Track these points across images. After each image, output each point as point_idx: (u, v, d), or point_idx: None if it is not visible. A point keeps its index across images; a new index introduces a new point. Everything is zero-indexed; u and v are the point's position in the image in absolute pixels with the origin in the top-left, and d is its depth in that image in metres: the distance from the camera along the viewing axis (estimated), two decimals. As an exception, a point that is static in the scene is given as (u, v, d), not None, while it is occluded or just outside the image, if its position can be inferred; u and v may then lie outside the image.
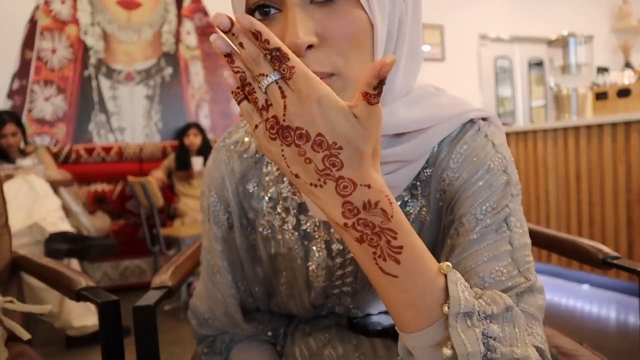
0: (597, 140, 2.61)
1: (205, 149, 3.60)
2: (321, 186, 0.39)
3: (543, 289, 0.51)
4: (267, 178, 0.64)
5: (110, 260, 3.25)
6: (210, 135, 4.09)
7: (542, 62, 5.57)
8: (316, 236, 0.63)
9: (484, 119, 0.58)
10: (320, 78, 0.41)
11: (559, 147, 2.81)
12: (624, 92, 2.85)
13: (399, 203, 0.58)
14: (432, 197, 0.57)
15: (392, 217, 0.39)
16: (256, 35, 0.37)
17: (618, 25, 5.98)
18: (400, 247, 0.39)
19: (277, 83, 0.38)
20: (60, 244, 2.19)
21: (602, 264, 0.94)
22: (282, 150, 0.39)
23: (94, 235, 2.76)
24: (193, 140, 3.56)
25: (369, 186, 0.39)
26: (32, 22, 3.66)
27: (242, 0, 0.49)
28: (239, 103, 0.41)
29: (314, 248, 0.63)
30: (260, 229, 0.65)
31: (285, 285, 0.66)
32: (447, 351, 0.40)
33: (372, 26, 0.48)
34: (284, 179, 0.63)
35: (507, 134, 3.11)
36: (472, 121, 0.57)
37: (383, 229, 0.39)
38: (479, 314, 0.41)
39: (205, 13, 4.13)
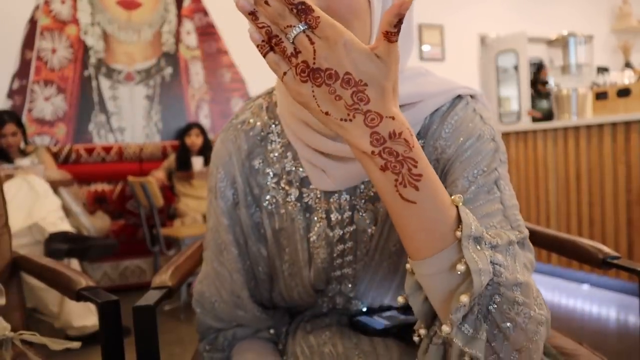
0: (597, 140, 2.61)
1: (206, 149, 3.60)
2: (351, 120, 0.43)
3: (533, 250, 0.54)
4: (271, 155, 0.67)
5: (110, 260, 3.25)
6: (210, 136, 4.09)
7: (542, 62, 5.57)
8: (317, 208, 0.66)
9: (471, 97, 0.64)
10: None
11: (559, 147, 2.81)
12: (624, 92, 2.85)
13: None
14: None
15: (413, 147, 0.43)
16: None
17: (618, 25, 5.98)
18: (420, 175, 0.43)
19: (304, 32, 0.42)
20: (60, 244, 2.19)
21: (602, 264, 0.94)
22: (313, 91, 0.43)
23: (94, 235, 2.76)
24: (195, 140, 3.56)
25: (393, 118, 0.43)
26: (32, 22, 3.66)
27: None
28: (264, 55, 0.45)
29: (315, 219, 0.66)
30: (265, 204, 0.68)
31: (288, 263, 0.68)
32: (460, 267, 0.44)
33: (370, 3, 0.55)
34: (288, 154, 0.67)
35: (507, 134, 3.11)
36: (460, 97, 0.63)
37: (405, 157, 0.43)
38: (486, 242, 0.45)
39: (205, 13, 4.13)
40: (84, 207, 2.96)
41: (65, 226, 2.34)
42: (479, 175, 0.55)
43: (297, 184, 0.66)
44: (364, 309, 0.72)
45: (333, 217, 0.65)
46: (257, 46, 0.44)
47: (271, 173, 0.67)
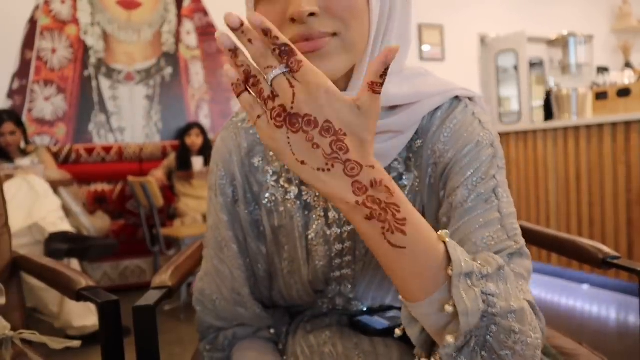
0: (597, 140, 2.61)
1: (206, 149, 3.60)
2: (329, 170, 0.42)
3: (530, 255, 0.54)
4: (271, 153, 0.68)
5: (110, 260, 3.25)
6: (210, 136, 4.09)
7: (542, 62, 5.57)
8: (316, 206, 0.66)
9: (470, 99, 0.63)
10: (323, 38, 0.51)
11: (559, 147, 2.81)
12: (624, 92, 2.85)
13: (395, 175, 0.63)
14: (424, 168, 0.62)
15: (394, 192, 0.43)
16: (266, 32, 0.40)
17: (618, 25, 5.98)
18: (404, 219, 0.43)
19: (284, 75, 0.41)
20: (60, 244, 2.19)
21: (602, 263, 0.94)
22: (289, 137, 0.42)
23: (94, 235, 2.76)
24: (195, 140, 3.56)
25: (372, 167, 0.43)
26: (32, 22, 3.66)
27: None
28: (238, 95, 0.43)
29: (314, 217, 0.66)
30: (265, 202, 0.68)
31: (287, 261, 0.68)
32: (449, 308, 0.44)
33: (368, 3, 0.54)
34: None
35: (507, 134, 3.11)
36: (458, 99, 0.63)
37: (388, 204, 0.42)
38: (477, 275, 0.45)
39: (205, 13, 4.13)
40: (84, 207, 2.96)
41: (65, 226, 2.34)
42: (478, 183, 0.56)
43: (297, 182, 0.67)
44: (365, 309, 0.72)
45: (331, 215, 0.66)
46: (232, 84, 0.43)
47: (271, 171, 0.68)
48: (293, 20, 0.51)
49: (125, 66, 3.90)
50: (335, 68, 0.54)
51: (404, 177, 0.63)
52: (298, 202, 0.66)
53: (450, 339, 0.44)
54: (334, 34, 0.53)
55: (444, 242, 0.45)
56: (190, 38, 4.09)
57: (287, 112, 0.41)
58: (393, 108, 0.60)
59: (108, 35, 3.86)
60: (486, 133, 0.59)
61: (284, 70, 0.41)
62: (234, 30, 0.41)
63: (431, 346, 0.49)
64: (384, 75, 0.41)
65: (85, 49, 3.79)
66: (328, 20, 0.52)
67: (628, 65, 5.37)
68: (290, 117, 0.41)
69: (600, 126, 2.59)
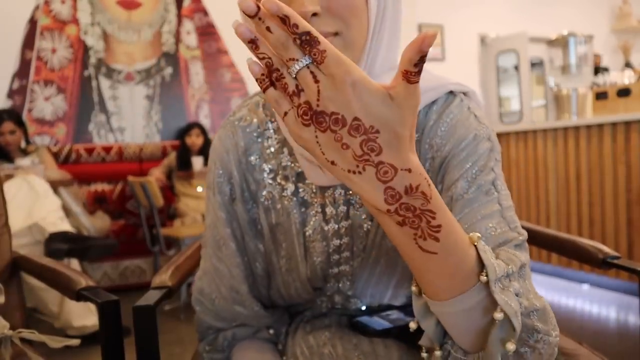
0: (597, 140, 2.61)
1: (206, 149, 3.60)
2: (360, 172, 0.38)
3: (528, 248, 0.55)
4: (267, 151, 0.68)
5: (110, 260, 3.25)
6: (210, 136, 4.09)
7: (542, 62, 5.57)
8: (313, 202, 0.66)
9: (464, 94, 0.64)
10: (325, 37, 0.43)
11: (559, 147, 2.81)
12: (624, 92, 2.86)
13: None
14: (421, 163, 0.59)
15: (431, 198, 0.39)
16: (284, 20, 0.36)
17: (618, 25, 5.98)
18: (439, 226, 0.40)
19: (308, 68, 0.37)
20: (60, 244, 2.19)
21: (602, 263, 0.94)
22: (317, 136, 0.39)
23: (94, 235, 2.76)
24: (195, 140, 3.56)
25: (409, 170, 0.39)
26: (32, 22, 3.66)
27: None
28: (264, 90, 0.40)
29: (311, 213, 0.66)
30: (262, 200, 0.68)
31: (285, 259, 0.68)
32: (498, 315, 0.42)
33: (367, 2, 0.55)
34: (284, 149, 0.67)
35: (507, 134, 3.11)
36: (453, 93, 0.63)
37: (423, 210, 0.39)
38: (505, 276, 0.44)
39: (205, 13, 4.13)
40: (84, 207, 2.96)
41: (65, 226, 2.34)
42: (478, 176, 0.56)
43: (293, 179, 0.66)
44: (363, 308, 0.72)
45: (328, 210, 0.65)
46: (257, 80, 0.40)
47: (267, 169, 0.67)
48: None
49: (125, 66, 3.90)
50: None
51: None
52: (295, 199, 0.66)
53: (510, 346, 0.43)
54: (336, 34, 0.54)
55: (475, 246, 0.44)
56: (190, 38, 4.09)
57: (313, 110, 0.38)
58: None
59: (108, 35, 3.86)
60: (482, 127, 0.60)
61: (308, 62, 0.37)
62: (250, 17, 0.36)
63: (443, 338, 0.49)
64: (419, 63, 0.37)
65: (85, 49, 3.79)
66: (330, 20, 0.53)
67: (628, 65, 5.37)
68: (316, 115, 0.38)
69: (600, 126, 2.59)
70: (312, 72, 0.37)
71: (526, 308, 0.44)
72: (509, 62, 5.26)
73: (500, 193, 0.55)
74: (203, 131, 3.65)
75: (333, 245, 0.66)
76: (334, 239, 0.66)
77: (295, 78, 0.38)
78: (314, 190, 0.66)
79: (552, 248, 1.12)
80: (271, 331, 0.73)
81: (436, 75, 0.65)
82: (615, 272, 2.49)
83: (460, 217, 0.54)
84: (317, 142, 0.39)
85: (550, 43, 5.46)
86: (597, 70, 5.13)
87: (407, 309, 0.70)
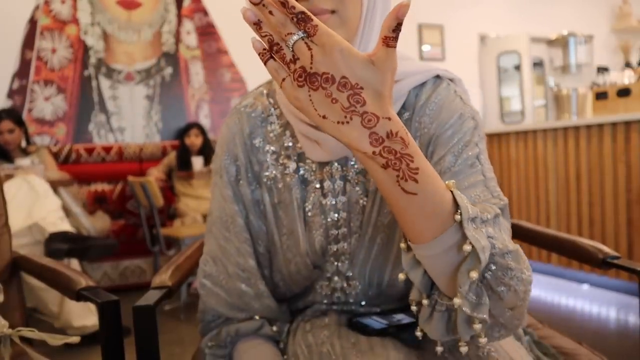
0: (597, 140, 2.61)
1: (206, 149, 3.60)
2: (347, 122, 0.46)
3: (509, 218, 0.61)
4: (271, 134, 0.74)
5: (110, 260, 3.25)
6: (210, 136, 4.09)
7: (542, 62, 5.57)
8: (313, 179, 0.71)
9: (451, 80, 0.71)
10: (324, 14, 0.59)
11: (559, 147, 2.81)
12: (624, 92, 2.86)
13: None
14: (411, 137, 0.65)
15: (408, 144, 0.46)
16: (283, 4, 0.44)
17: (618, 25, 5.98)
18: (417, 169, 0.46)
19: (302, 40, 0.45)
20: (60, 244, 2.19)
21: (602, 263, 0.94)
22: (310, 95, 0.46)
23: (94, 235, 2.76)
24: (194, 140, 3.56)
25: (389, 118, 0.46)
26: (32, 22, 3.67)
27: None
28: (265, 62, 0.48)
29: (310, 189, 0.71)
30: (265, 180, 0.73)
31: (286, 236, 0.72)
32: (466, 247, 0.48)
33: None
34: (286, 132, 0.73)
35: (507, 134, 3.11)
36: (440, 78, 0.70)
37: (403, 154, 0.46)
38: (479, 219, 0.50)
39: (205, 13, 4.13)
40: (84, 207, 2.96)
41: (66, 226, 2.34)
42: (463, 150, 0.62)
43: (295, 158, 0.72)
44: (362, 309, 0.72)
45: (326, 185, 0.71)
46: (259, 54, 0.47)
47: (270, 150, 0.73)
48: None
49: (125, 66, 3.90)
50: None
51: None
52: (296, 177, 0.72)
53: (474, 274, 0.48)
54: (333, 11, 0.61)
55: (451, 191, 0.49)
56: (190, 38, 4.09)
57: (307, 72, 0.45)
58: None
59: (108, 35, 3.86)
60: (467, 107, 0.67)
61: (302, 35, 0.45)
62: (255, 4, 0.45)
63: (430, 289, 0.54)
64: (396, 29, 0.44)
65: (85, 49, 3.79)
66: None
67: (628, 65, 5.36)
68: (310, 77, 0.45)
69: (600, 126, 2.59)
70: (306, 43, 0.45)
71: (500, 249, 0.50)
72: (509, 62, 5.26)
73: (483, 165, 0.62)
74: (202, 131, 3.64)
75: (331, 219, 0.70)
76: (331, 213, 0.70)
77: (292, 50, 0.46)
78: (314, 169, 0.71)
79: (552, 248, 1.12)
80: (274, 327, 0.74)
81: (424, 63, 0.73)
82: (615, 272, 2.49)
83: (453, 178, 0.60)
84: (310, 100, 0.46)
85: (550, 43, 5.46)
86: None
87: (405, 311, 0.71)
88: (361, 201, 0.70)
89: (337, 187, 0.70)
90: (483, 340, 0.51)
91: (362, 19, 0.64)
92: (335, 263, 0.71)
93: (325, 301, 0.74)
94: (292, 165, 0.72)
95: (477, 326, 0.50)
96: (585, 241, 1.00)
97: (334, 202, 0.70)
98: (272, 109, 0.75)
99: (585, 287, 2.81)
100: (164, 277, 0.89)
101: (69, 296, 0.98)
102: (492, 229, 0.51)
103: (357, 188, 0.70)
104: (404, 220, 0.49)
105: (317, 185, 0.71)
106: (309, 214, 0.71)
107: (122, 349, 0.83)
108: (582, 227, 2.69)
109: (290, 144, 0.73)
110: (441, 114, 0.66)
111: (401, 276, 0.55)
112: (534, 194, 2.96)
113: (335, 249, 0.71)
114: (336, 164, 0.71)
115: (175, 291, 0.89)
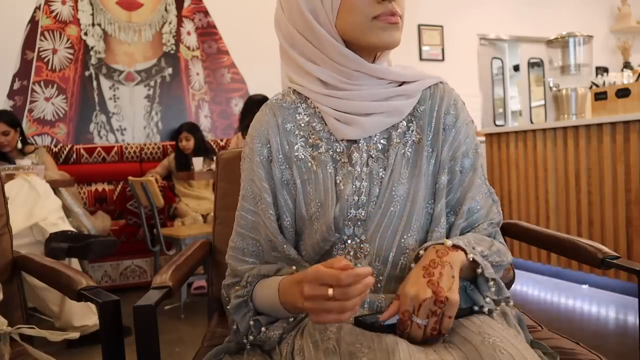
0: (596, 140, 2.61)
1: (202, 149, 3.59)
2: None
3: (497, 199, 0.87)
4: (300, 122, 0.83)
5: (110, 260, 3.25)
6: (210, 136, 4.09)
7: (541, 62, 5.57)
8: (342, 156, 0.80)
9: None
10: (398, 15, 0.76)
11: (559, 147, 2.81)
12: (623, 93, 2.86)
13: (403, 130, 0.82)
14: (425, 128, 0.82)
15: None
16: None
17: (617, 26, 5.98)
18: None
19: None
20: (60, 243, 2.19)
21: (601, 263, 0.94)
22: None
23: (94, 234, 2.76)
24: (185, 144, 3.56)
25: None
26: (33, 23, 3.67)
27: None
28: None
29: (340, 164, 0.80)
30: (295, 160, 0.81)
31: (314, 209, 0.78)
32: (479, 270, 0.74)
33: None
34: (315, 119, 0.82)
35: (507, 134, 3.11)
36: (443, 83, 0.86)
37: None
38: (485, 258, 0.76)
39: (206, 13, 4.14)
40: (85, 207, 2.96)
41: (66, 227, 2.34)
42: (473, 155, 0.83)
43: (325, 139, 0.81)
44: (367, 306, 0.74)
45: (354, 156, 0.79)
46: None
47: (300, 134, 0.82)
48: (381, 0, 0.73)
49: (126, 66, 3.91)
50: (398, 39, 0.77)
51: (410, 130, 0.82)
52: (328, 154, 0.80)
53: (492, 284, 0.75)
54: (400, 16, 0.76)
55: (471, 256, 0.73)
56: (190, 38, 4.09)
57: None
58: (402, 84, 0.82)
59: (108, 36, 3.87)
60: (468, 113, 0.86)
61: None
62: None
63: None
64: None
65: (86, 49, 3.80)
66: (398, 5, 0.75)
67: (627, 65, 5.37)
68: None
69: (599, 126, 2.59)
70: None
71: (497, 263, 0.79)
72: (509, 63, 5.27)
73: (482, 169, 0.84)
74: (192, 132, 3.62)
75: (355, 186, 0.78)
76: (356, 181, 0.78)
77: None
78: (343, 147, 0.80)
79: (551, 248, 1.13)
80: (294, 267, 0.77)
81: (423, 70, 0.86)
82: (614, 272, 2.49)
83: (464, 185, 0.81)
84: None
85: (550, 43, 5.47)
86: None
87: None
88: (381, 173, 0.79)
89: (362, 159, 0.79)
90: (493, 299, 0.74)
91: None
92: (352, 227, 0.77)
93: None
94: (323, 145, 0.80)
95: (491, 284, 0.74)
96: (584, 241, 1.01)
97: (359, 171, 0.78)
98: (299, 103, 0.84)
99: (585, 287, 2.82)
100: (165, 277, 0.89)
101: (69, 296, 0.98)
102: (492, 255, 0.78)
103: (378, 163, 0.79)
104: None
105: (346, 160, 0.79)
106: (341, 185, 0.78)
107: (122, 349, 0.83)
108: (582, 227, 2.70)
109: (320, 127, 0.81)
110: (453, 111, 0.83)
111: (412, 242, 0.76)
112: (534, 194, 2.96)
113: (354, 214, 0.77)
114: (362, 141, 0.80)
115: (176, 291, 0.89)
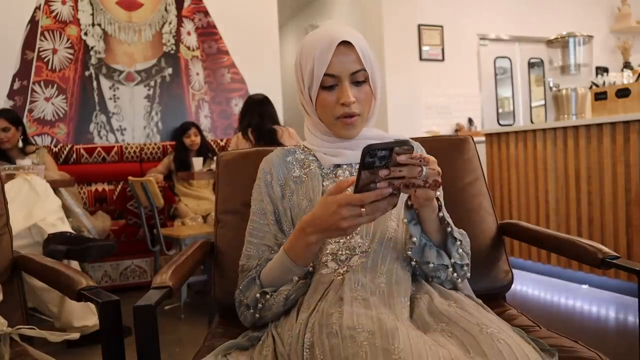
0: (596, 140, 2.61)
1: (203, 149, 3.60)
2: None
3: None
4: (298, 157, 1.04)
5: (110, 260, 3.25)
6: (210, 136, 4.09)
7: (541, 62, 5.58)
8: (329, 174, 0.99)
9: None
10: (355, 116, 0.94)
11: (559, 147, 2.82)
12: (623, 93, 2.86)
13: None
14: None
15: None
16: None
17: (617, 26, 5.99)
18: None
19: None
20: (58, 246, 2.18)
21: (601, 263, 0.94)
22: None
23: (94, 235, 2.76)
24: (194, 139, 3.57)
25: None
26: (33, 23, 3.67)
27: (318, 80, 0.92)
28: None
29: (328, 175, 0.99)
30: (292, 178, 1.00)
31: (306, 201, 0.95)
32: (448, 229, 0.87)
33: (373, 95, 0.97)
34: (309, 156, 1.03)
35: (507, 134, 3.11)
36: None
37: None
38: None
39: (206, 13, 4.14)
40: (85, 208, 2.96)
41: (65, 227, 2.34)
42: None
43: (316, 164, 1.01)
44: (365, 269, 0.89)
45: (339, 173, 0.99)
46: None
47: (298, 163, 1.03)
48: (343, 104, 0.92)
49: (126, 66, 3.91)
50: (356, 133, 0.97)
51: None
52: (318, 171, 0.99)
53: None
54: (358, 115, 0.94)
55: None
56: (190, 38, 4.09)
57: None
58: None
59: (108, 36, 3.87)
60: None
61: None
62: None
63: (419, 235, 0.85)
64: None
65: (86, 49, 3.80)
66: (357, 106, 0.94)
67: (627, 65, 5.37)
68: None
69: (599, 126, 2.59)
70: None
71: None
72: (508, 63, 5.27)
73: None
74: (200, 130, 3.66)
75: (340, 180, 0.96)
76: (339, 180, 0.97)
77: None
78: (329, 170, 1.00)
79: (551, 248, 1.13)
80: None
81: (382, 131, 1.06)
82: (614, 272, 2.49)
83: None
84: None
85: (550, 43, 5.47)
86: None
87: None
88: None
89: (345, 175, 0.99)
90: (459, 255, 0.87)
91: (370, 112, 0.99)
92: None
93: (330, 255, 0.88)
94: (315, 166, 1.00)
95: (458, 244, 0.87)
96: (584, 241, 1.01)
97: (342, 179, 0.96)
98: (297, 149, 1.07)
99: (585, 287, 2.82)
100: (165, 277, 0.89)
101: (69, 296, 0.98)
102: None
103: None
104: (427, 218, 0.84)
105: (332, 175, 0.99)
106: (327, 186, 0.96)
107: (122, 349, 0.83)
108: (582, 227, 2.70)
109: (312, 158, 1.03)
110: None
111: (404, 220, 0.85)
112: (534, 194, 2.96)
113: None
114: (345, 165, 1.00)
115: (176, 291, 0.89)
